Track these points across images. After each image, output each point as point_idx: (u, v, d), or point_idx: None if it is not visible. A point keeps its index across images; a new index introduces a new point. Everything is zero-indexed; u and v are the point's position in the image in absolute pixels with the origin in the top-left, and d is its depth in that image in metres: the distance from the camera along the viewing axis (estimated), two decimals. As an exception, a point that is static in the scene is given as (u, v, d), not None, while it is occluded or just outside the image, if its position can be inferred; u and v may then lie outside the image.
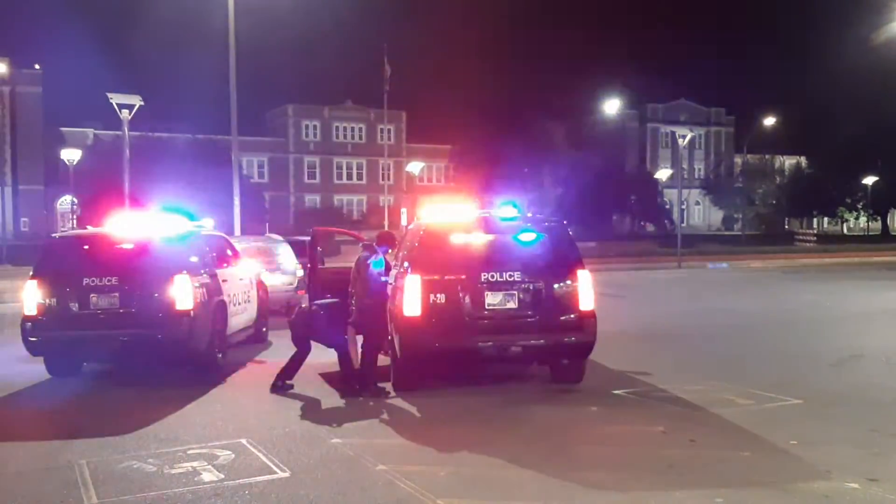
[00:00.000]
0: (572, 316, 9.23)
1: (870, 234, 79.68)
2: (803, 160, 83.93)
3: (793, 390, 9.32)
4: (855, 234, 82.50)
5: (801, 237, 69.39)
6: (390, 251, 10.44)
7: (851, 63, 55.68)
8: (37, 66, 63.27)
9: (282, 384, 9.58)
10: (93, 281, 9.92)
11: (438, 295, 9.02)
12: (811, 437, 7.37)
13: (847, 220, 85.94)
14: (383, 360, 9.92)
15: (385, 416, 8.48)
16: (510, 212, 9.95)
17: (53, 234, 11.68)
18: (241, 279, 12.55)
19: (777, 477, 6.24)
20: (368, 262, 9.83)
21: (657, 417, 8.18)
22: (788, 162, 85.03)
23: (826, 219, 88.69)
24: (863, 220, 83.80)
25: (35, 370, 10.50)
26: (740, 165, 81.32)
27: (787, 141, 77.43)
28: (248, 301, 12.75)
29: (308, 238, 13.03)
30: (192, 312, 10.00)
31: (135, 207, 21.55)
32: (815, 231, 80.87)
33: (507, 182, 69.96)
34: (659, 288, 26.60)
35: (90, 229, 11.50)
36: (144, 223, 10.92)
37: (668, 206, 74.57)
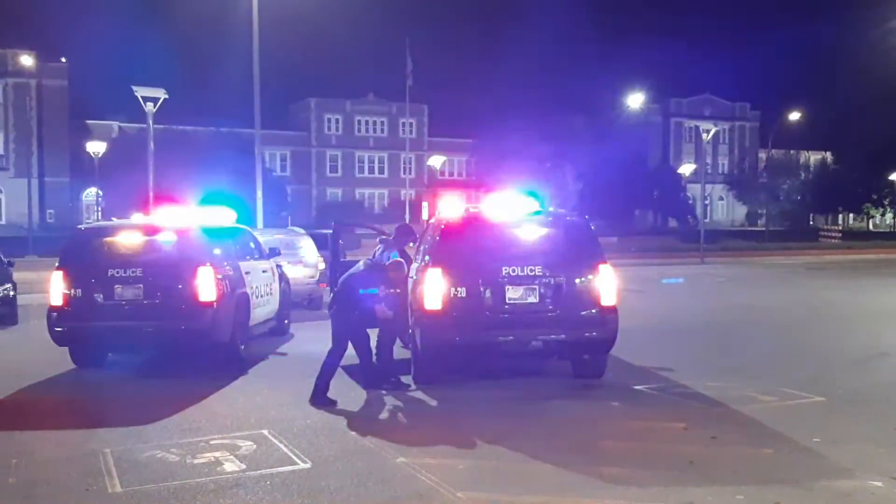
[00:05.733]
0: (594, 311, 9.19)
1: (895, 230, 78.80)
2: (829, 156, 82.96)
3: (816, 388, 9.24)
4: (881, 230, 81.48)
5: (825, 234, 68.59)
6: (411, 244, 10.44)
7: (879, 59, 54.93)
8: (63, 60, 63.87)
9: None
10: (118, 272, 10.02)
11: (459, 288, 9.02)
12: (834, 435, 7.31)
13: (873, 217, 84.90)
14: (404, 353, 9.95)
15: (405, 408, 8.51)
16: (532, 206, 9.85)
17: (79, 226, 11.80)
18: (263, 271, 12.63)
19: (799, 475, 6.19)
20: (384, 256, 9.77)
21: (678, 413, 8.15)
22: (814, 158, 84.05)
23: (851, 215, 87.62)
24: (889, 216, 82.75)
25: (60, 360, 10.63)
26: (765, 161, 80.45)
27: (812, 136, 76.58)
28: (271, 293, 12.83)
29: (330, 231, 13.08)
30: (215, 304, 10.09)
31: (160, 200, 21.71)
32: (840, 228, 79.91)
33: (529, 176, 70.06)
34: (681, 283, 26.42)
35: (115, 221, 11.63)
36: (175, 214, 11.01)
37: (691, 202, 74.00)
